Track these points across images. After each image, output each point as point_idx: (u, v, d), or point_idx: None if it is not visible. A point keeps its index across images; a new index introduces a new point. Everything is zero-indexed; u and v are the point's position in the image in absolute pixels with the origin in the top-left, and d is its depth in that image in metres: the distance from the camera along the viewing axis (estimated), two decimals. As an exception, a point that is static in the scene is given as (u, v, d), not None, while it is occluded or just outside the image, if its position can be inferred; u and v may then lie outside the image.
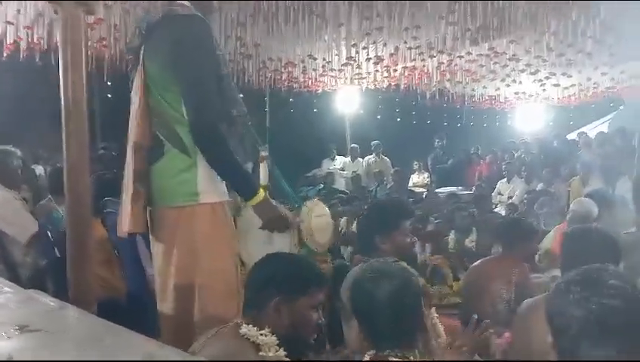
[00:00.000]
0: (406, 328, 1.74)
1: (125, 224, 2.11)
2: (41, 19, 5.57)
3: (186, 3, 2.15)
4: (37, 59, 5.88)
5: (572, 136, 10.64)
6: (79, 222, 1.95)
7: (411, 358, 1.72)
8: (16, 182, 3.49)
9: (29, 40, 5.74)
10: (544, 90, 9.71)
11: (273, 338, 1.78)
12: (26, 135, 7.20)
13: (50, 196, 3.93)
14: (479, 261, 3.56)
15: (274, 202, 2.34)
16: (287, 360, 1.80)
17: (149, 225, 2.21)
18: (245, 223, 3.00)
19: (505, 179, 8.52)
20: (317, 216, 2.74)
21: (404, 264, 1.86)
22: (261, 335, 1.78)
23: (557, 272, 3.59)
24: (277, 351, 1.78)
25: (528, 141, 10.66)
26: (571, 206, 4.62)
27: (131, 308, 3.26)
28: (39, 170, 6.26)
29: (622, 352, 1.28)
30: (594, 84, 9.28)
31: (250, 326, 1.79)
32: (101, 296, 2.72)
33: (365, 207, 2.90)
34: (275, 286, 1.84)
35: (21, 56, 5.87)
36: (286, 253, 2.05)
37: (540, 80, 8.83)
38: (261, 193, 2.16)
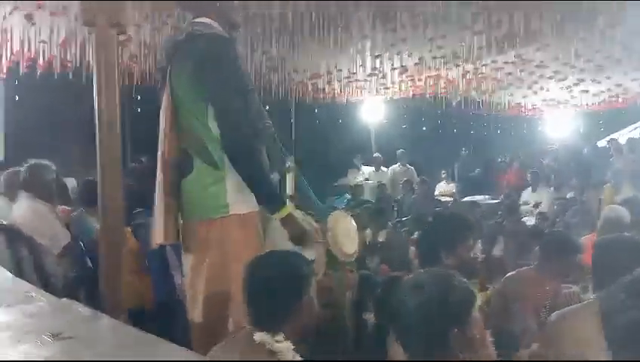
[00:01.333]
0: (440, 336, 1.68)
1: (158, 236, 2.17)
2: (74, 37, 5.74)
3: (211, 22, 2.20)
4: (70, 76, 6.06)
5: (602, 142, 10.44)
6: (112, 233, 2.01)
7: None
8: (51, 194, 3.57)
9: (62, 57, 5.92)
10: (573, 96, 9.56)
11: (289, 344, 1.79)
12: (59, 148, 7.39)
13: (82, 208, 4.03)
14: (515, 271, 3.49)
15: (299, 213, 2.38)
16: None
17: (180, 236, 2.27)
18: (275, 232, 3.03)
19: (530, 188, 8.38)
20: (343, 226, 2.75)
21: (456, 276, 1.80)
22: (277, 342, 1.78)
23: (587, 282, 3.54)
24: (293, 356, 1.79)
25: (557, 148, 10.48)
26: (602, 213, 4.54)
27: (160, 317, 3.31)
28: (71, 182, 6.40)
29: None
30: (624, 89, 9.10)
31: (264, 333, 1.79)
32: (130, 305, 2.78)
33: (429, 220, 2.87)
34: (298, 287, 1.86)
35: (55, 73, 6.05)
36: (270, 252, 2.04)
37: (569, 86, 8.70)
38: (287, 208, 2.20)
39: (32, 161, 3.59)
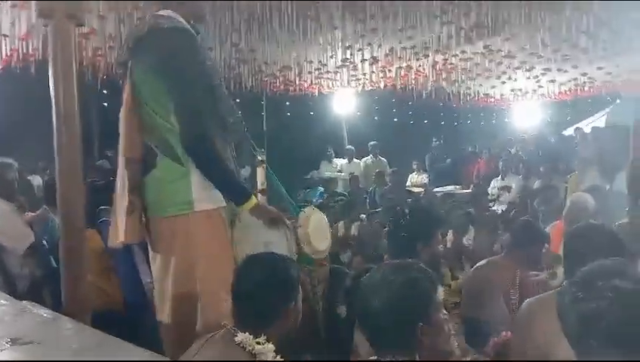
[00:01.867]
0: (406, 332, 1.66)
1: (119, 235, 2.12)
2: (35, 30, 5.58)
3: (173, 14, 2.15)
4: (32, 70, 5.89)
5: (569, 131, 10.64)
6: (72, 232, 1.95)
7: None
8: (13, 193, 3.49)
9: (24, 51, 5.75)
10: (540, 86, 9.70)
11: (270, 346, 1.77)
12: (24, 146, 7.21)
13: (45, 206, 3.93)
14: (484, 261, 3.54)
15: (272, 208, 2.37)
16: None
17: (146, 234, 2.22)
18: (244, 228, 3.00)
19: (499, 176, 8.53)
20: (315, 223, 2.74)
21: (418, 265, 1.77)
22: (257, 343, 1.76)
23: (555, 269, 3.61)
24: (274, 358, 1.77)
25: (525, 138, 10.65)
26: (568, 201, 4.63)
27: (129, 317, 3.26)
28: (37, 180, 6.26)
29: (626, 354, 1.27)
30: (589, 78, 9.26)
31: (247, 334, 1.77)
32: (98, 306, 2.72)
33: (405, 211, 2.88)
34: (289, 292, 1.86)
35: (17, 68, 5.87)
36: (258, 254, 2.03)
37: (536, 76, 8.81)
38: (254, 199, 2.19)
39: (-7, 160, 3.49)
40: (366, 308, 1.70)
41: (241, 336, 1.77)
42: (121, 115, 2.17)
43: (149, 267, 2.35)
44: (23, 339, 1.33)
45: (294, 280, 1.89)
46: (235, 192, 2.20)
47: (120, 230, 2.11)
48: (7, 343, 1.30)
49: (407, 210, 2.89)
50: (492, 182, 8.57)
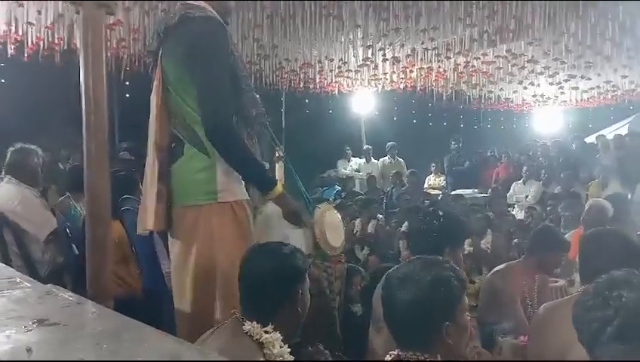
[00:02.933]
0: (432, 330, 1.63)
1: (149, 222, 2.14)
2: (62, 19, 5.65)
3: (203, 4, 2.18)
4: (57, 59, 5.96)
5: (591, 139, 10.51)
6: (98, 219, 1.97)
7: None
8: (37, 180, 3.52)
9: (50, 40, 5.83)
10: (562, 92, 9.60)
11: (277, 335, 1.78)
12: (47, 134, 7.29)
13: (68, 194, 3.98)
14: (502, 265, 3.51)
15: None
16: (291, 358, 1.79)
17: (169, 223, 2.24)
18: (263, 221, 3.02)
19: (521, 181, 8.45)
20: (330, 219, 2.75)
21: (449, 263, 1.74)
22: (265, 332, 1.76)
23: (574, 276, 3.57)
24: (281, 347, 1.77)
25: (547, 144, 10.54)
26: (586, 206, 4.59)
27: (148, 305, 3.29)
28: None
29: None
30: (613, 86, 9.16)
31: (254, 323, 1.77)
32: (118, 295, 2.75)
33: (440, 213, 2.86)
34: (294, 280, 1.85)
35: (41, 56, 5.94)
36: (263, 243, 2.03)
37: (559, 82, 8.73)
38: (279, 186, 2.19)
39: (18, 145, 3.53)
40: (393, 302, 1.67)
41: (249, 325, 1.77)
42: (151, 102, 2.19)
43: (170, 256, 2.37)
44: (49, 321, 1.34)
45: (298, 269, 1.87)
46: (260, 180, 2.21)
47: (149, 217, 2.13)
48: (33, 324, 1.32)
49: (441, 212, 2.86)
50: (512, 186, 8.48)
